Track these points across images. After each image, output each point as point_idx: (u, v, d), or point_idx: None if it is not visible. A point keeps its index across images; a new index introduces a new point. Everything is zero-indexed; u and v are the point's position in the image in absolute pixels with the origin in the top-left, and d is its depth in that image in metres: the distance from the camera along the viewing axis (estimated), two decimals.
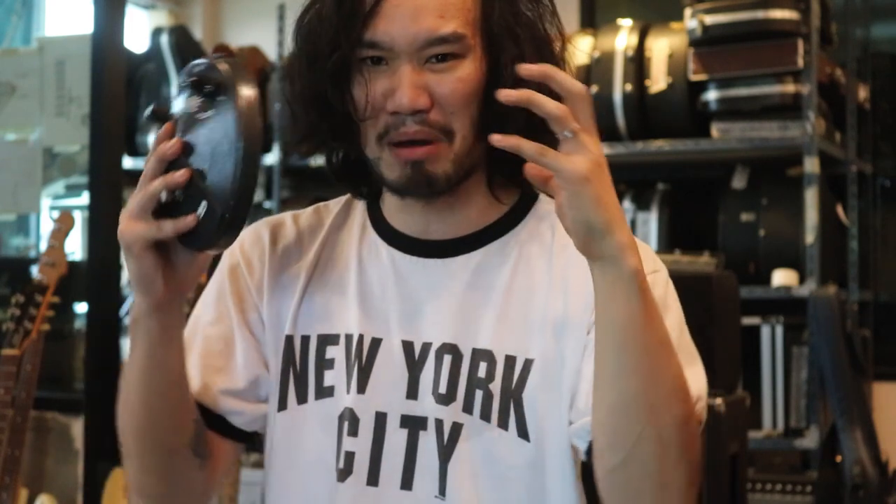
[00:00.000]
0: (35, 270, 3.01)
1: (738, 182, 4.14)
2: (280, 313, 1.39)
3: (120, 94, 3.29)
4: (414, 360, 1.33)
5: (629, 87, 4.06)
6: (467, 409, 1.31)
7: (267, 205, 4.79)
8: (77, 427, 3.30)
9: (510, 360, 1.31)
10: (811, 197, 3.86)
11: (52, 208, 3.93)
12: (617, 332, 1.18)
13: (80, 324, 3.42)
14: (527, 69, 1.19)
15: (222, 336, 1.40)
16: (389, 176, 1.31)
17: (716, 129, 3.99)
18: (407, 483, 1.31)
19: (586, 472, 1.31)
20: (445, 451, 1.30)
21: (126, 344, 4.76)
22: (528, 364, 1.30)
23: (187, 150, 1.23)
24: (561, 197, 1.16)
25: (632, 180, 4.42)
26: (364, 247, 1.39)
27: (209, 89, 1.22)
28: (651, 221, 4.17)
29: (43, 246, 3.22)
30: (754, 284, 3.94)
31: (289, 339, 1.38)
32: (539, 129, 1.31)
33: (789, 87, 3.88)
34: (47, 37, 4.39)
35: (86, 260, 3.34)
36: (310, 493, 1.36)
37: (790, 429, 3.96)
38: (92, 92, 3.26)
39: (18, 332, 2.92)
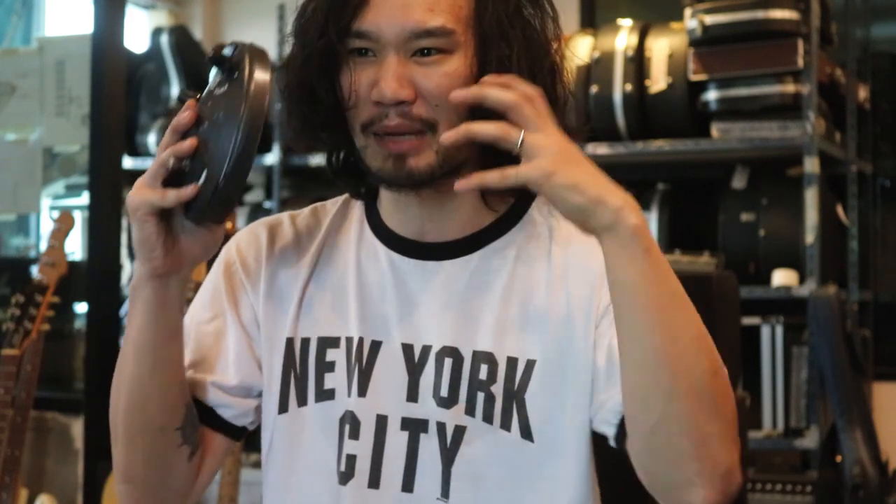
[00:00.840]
0: (35, 270, 3.01)
1: (738, 182, 4.14)
2: (278, 315, 1.39)
3: (120, 94, 3.30)
4: (414, 362, 1.33)
5: (629, 87, 4.06)
6: (469, 411, 1.31)
7: (267, 205, 4.79)
8: (77, 427, 3.30)
9: (512, 362, 1.31)
10: (811, 197, 3.86)
11: (52, 208, 3.93)
12: (629, 292, 1.18)
13: (80, 324, 3.42)
14: (458, 95, 1.22)
15: (216, 333, 1.40)
16: (373, 165, 1.31)
17: (716, 129, 3.99)
18: (408, 485, 1.32)
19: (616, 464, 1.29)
20: (448, 454, 1.31)
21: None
22: (530, 365, 1.30)
23: (200, 122, 1.26)
24: (544, 199, 1.18)
25: (632, 180, 4.42)
26: (362, 249, 1.39)
27: (228, 66, 1.26)
28: (651, 221, 4.17)
29: (43, 246, 3.22)
30: (754, 284, 3.94)
31: (289, 342, 1.38)
32: None
33: (789, 87, 3.88)
34: (47, 37, 4.39)
35: (86, 260, 3.34)
36: (311, 495, 1.36)
37: (790, 429, 3.95)
38: (92, 92, 3.26)
39: (18, 332, 2.92)
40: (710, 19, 3.90)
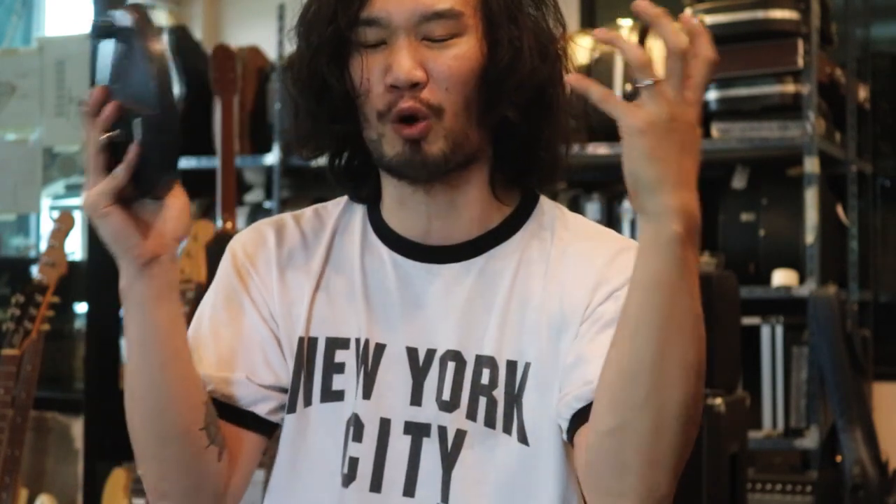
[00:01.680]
0: (35, 270, 3.01)
1: (738, 182, 4.14)
2: (291, 315, 1.37)
3: None
4: (418, 366, 1.33)
5: (629, 87, 4.06)
6: (471, 416, 1.30)
7: (267, 205, 4.79)
8: (77, 427, 3.30)
9: (511, 366, 1.31)
10: (811, 197, 3.86)
11: (52, 208, 3.93)
12: (644, 289, 1.14)
13: (80, 324, 3.42)
14: (600, 33, 1.19)
15: (240, 330, 1.37)
16: (389, 153, 1.29)
17: (716, 129, 3.99)
18: (409, 490, 1.31)
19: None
20: (449, 459, 1.30)
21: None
22: (526, 368, 1.30)
23: (111, 95, 1.25)
24: (622, 144, 1.16)
25: None
26: (366, 252, 1.38)
27: (117, 34, 1.25)
28: None
29: (43, 246, 3.22)
30: (754, 284, 3.94)
31: (301, 342, 1.37)
32: (541, 109, 1.32)
33: (789, 87, 3.88)
34: (47, 37, 4.39)
35: (86, 260, 3.34)
36: (314, 497, 1.35)
37: (790, 429, 3.95)
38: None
39: (18, 332, 2.92)
40: (710, 19, 3.90)
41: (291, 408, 1.36)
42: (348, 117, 1.32)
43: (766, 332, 4.01)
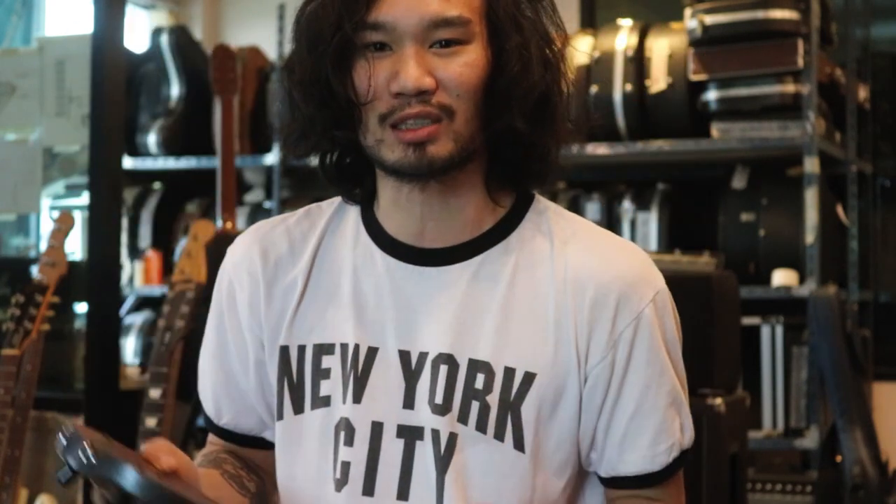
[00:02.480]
0: (35, 270, 3.00)
1: (738, 182, 4.14)
2: (276, 324, 1.38)
3: (120, 94, 3.29)
4: (411, 369, 1.32)
5: (629, 87, 4.06)
6: (462, 419, 1.30)
7: (267, 205, 4.79)
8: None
9: (509, 372, 1.30)
10: (811, 197, 3.86)
11: (52, 208, 3.93)
12: None
13: (80, 324, 3.42)
14: None
15: (225, 370, 1.43)
16: (390, 158, 1.29)
17: (716, 129, 3.99)
18: (403, 493, 1.31)
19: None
20: (442, 462, 1.30)
21: (126, 344, 4.75)
22: (528, 377, 1.30)
23: None
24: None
25: (632, 180, 4.42)
26: (358, 253, 1.37)
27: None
28: (651, 221, 4.17)
29: (43, 246, 3.22)
30: (754, 284, 3.94)
31: (283, 350, 1.37)
32: (543, 115, 1.32)
33: (789, 87, 3.88)
34: (47, 37, 4.39)
35: (86, 260, 3.34)
36: (306, 502, 1.35)
37: (790, 429, 3.96)
38: (92, 92, 3.26)
39: (18, 332, 2.91)
40: (710, 19, 3.90)
41: (279, 415, 1.37)
42: (348, 123, 1.31)
43: (766, 332, 4.01)
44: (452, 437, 1.30)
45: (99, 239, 3.24)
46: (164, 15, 5.54)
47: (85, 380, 3.23)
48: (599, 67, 4.12)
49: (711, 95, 3.96)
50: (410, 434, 1.31)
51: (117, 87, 3.27)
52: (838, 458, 3.83)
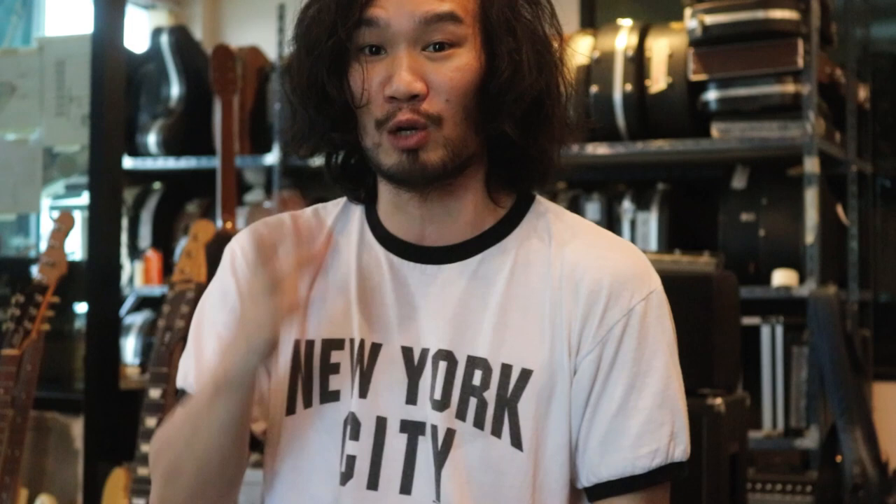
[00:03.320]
0: (35, 270, 3.00)
1: (738, 182, 4.14)
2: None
3: (120, 94, 3.30)
4: (413, 365, 1.34)
5: (629, 87, 4.06)
6: (460, 415, 1.31)
7: (267, 205, 4.79)
8: (77, 427, 3.30)
9: (506, 369, 1.31)
10: (811, 197, 3.86)
11: (52, 208, 3.93)
12: None
13: (80, 324, 3.42)
14: None
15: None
16: (386, 162, 1.30)
17: (716, 129, 3.99)
18: (406, 487, 1.32)
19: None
20: (440, 457, 1.31)
21: (126, 344, 4.75)
22: (525, 374, 1.31)
23: None
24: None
25: (632, 180, 4.42)
26: (363, 252, 1.39)
27: None
28: (651, 221, 4.17)
29: (43, 246, 3.22)
30: (754, 284, 3.94)
31: (296, 344, 1.38)
32: (538, 118, 1.32)
33: (789, 87, 3.88)
34: (47, 37, 4.39)
35: (86, 260, 3.34)
36: (313, 496, 1.36)
37: (790, 429, 3.96)
38: (92, 92, 3.26)
39: (18, 332, 2.91)
40: (710, 19, 3.90)
41: (291, 409, 1.37)
42: (347, 125, 1.33)
43: (766, 332, 4.01)
44: (450, 433, 1.31)
45: (99, 239, 3.25)
46: (164, 15, 5.55)
47: (85, 380, 3.23)
48: (599, 67, 4.12)
49: (711, 95, 3.96)
50: (413, 429, 1.32)
51: (117, 87, 3.27)
52: (838, 458, 3.83)
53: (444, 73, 1.28)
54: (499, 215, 1.37)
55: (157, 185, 5.02)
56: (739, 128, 3.95)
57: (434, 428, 1.31)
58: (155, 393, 2.81)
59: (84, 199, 3.69)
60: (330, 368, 1.36)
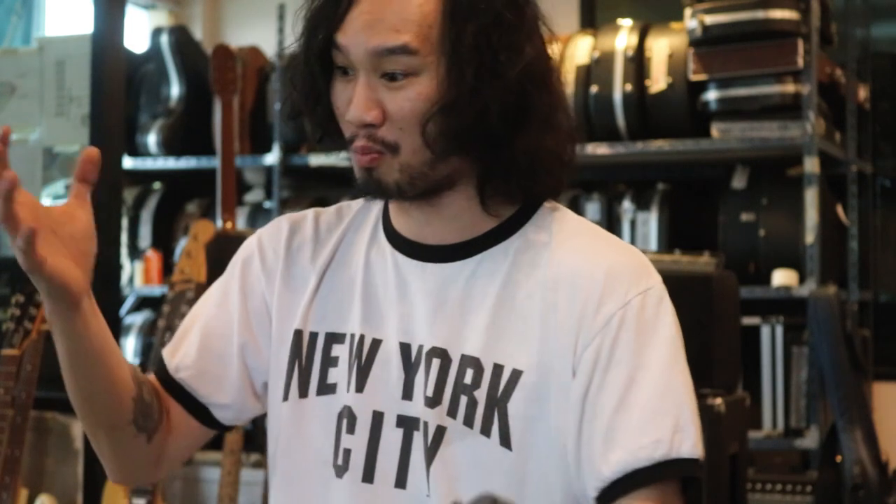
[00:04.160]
0: None
1: (738, 182, 4.14)
2: (291, 307, 1.42)
3: (120, 94, 3.30)
4: (410, 361, 1.35)
5: (629, 87, 4.06)
6: (451, 413, 1.32)
7: (267, 205, 4.79)
8: (77, 427, 3.30)
9: (497, 369, 1.31)
10: (811, 197, 3.86)
11: None
12: None
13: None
14: None
15: (222, 338, 1.45)
16: (356, 174, 1.34)
17: (716, 129, 3.99)
18: (401, 481, 1.33)
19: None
20: (429, 453, 1.32)
21: (126, 344, 4.74)
22: (515, 375, 1.31)
23: None
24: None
25: (632, 180, 4.42)
26: (373, 248, 1.42)
27: None
28: (651, 221, 4.17)
29: None
30: (754, 284, 3.94)
31: (297, 334, 1.41)
32: (497, 143, 1.31)
33: (789, 87, 3.88)
34: (47, 37, 4.39)
35: None
36: (308, 486, 1.39)
37: (790, 429, 3.96)
38: (92, 92, 3.26)
39: (18, 332, 2.91)
40: (710, 19, 3.90)
41: (285, 396, 1.40)
42: (338, 131, 1.37)
43: (766, 332, 4.01)
44: (440, 430, 1.32)
45: (99, 239, 3.24)
46: (164, 15, 5.55)
47: None
48: (599, 67, 4.12)
49: (711, 95, 3.96)
50: (408, 424, 1.34)
51: (117, 87, 3.27)
52: (838, 458, 3.83)
53: (397, 103, 1.28)
54: (500, 218, 1.37)
55: (157, 185, 5.02)
56: (739, 128, 3.96)
57: (426, 424, 1.32)
58: None
59: None
60: (330, 361, 1.38)
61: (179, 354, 1.45)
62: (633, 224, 4.20)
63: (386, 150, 1.30)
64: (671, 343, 1.31)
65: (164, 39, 4.75)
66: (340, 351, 1.38)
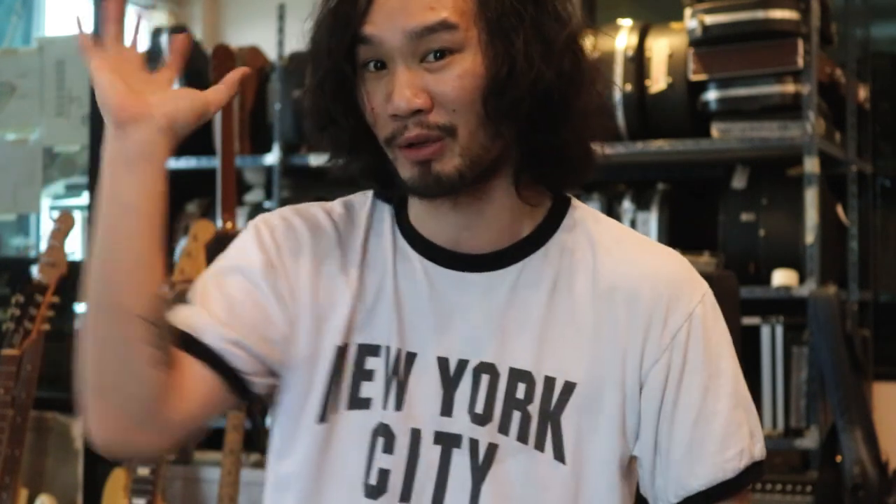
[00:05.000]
0: (35, 270, 3.01)
1: (738, 182, 4.14)
2: (325, 319, 1.32)
3: None
4: (449, 376, 1.30)
5: (629, 87, 4.06)
6: (503, 430, 1.28)
7: (267, 205, 4.79)
8: (77, 427, 3.30)
9: (549, 382, 1.28)
10: (811, 197, 3.86)
11: (52, 208, 3.93)
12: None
13: (80, 324, 3.42)
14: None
15: (253, 302, 1.31)
16: (403, 175, 1.26)
17: (716, 129, 3.99)
18: (438, 499, 1.28)
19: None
20: (480, 472, 1.28)
21: None
22: (568, 387, 1.28)
23: None
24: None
25: (632, 180, 4.42)
26: (398, 256, 1.34)
27: None
28: (651, 221, 4.17)
29: (43, 246, 3.22)
30: (754, 284, 3.94)
31: (339, 350, 1.31)
32: (555, 111, 1.27)
33: (789, 87, 3.88)
34: (47, 37, 4.39)
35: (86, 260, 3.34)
36: None
37: (790, 429, 3.95)
38: (92, 92, 3.26)
39: (18, 332, 2.92)
40: (710, 19, 3.90)
41: (323, 417, 1.31)
42: (367, 143, 1.29)
43: (766, 332, 4.01)
44: (492, 448, 1.28)
45: None
46: (164, 15, 5.54)
47: None
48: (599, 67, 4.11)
49: (711, 95, 3.96)
50: (448, 441, 1.29)
51: None
52: (838, 458, 3.83)
53: (445, 84, 1.22)
54: (536, 219, 1.34)
55: None
56: (739, 128, 3.95)
57: (474, 442, 1.28)
58: None
59: (84, 199, 3.69)
60: (363, 374, 1.31)
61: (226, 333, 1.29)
62: (633, 224, 4.19)
63: (444, 134, 1.23)
64: (730, 346, 1.35)
65: (165, 39, 4.75)
66: (376, 364, 1.31)
